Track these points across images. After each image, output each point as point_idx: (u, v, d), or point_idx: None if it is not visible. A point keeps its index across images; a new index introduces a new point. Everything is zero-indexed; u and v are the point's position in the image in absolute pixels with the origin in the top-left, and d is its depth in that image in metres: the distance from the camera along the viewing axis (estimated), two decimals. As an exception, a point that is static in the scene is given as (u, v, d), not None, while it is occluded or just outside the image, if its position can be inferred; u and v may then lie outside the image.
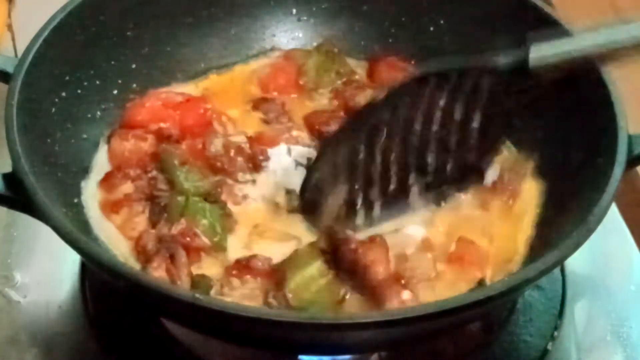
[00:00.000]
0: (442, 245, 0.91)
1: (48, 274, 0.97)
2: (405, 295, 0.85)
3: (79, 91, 0.96)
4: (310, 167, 0.93)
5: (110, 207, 0.91)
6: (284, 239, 0.91)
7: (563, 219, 0.88)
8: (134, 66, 1.02)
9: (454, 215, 0.94)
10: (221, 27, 1.08)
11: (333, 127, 0.99)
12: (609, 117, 0.87)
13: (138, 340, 0.91)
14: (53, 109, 0.92)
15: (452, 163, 0.93)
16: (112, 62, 1.00)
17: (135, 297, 0.85)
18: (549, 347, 0.92)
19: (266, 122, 1.02)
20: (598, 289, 0.99)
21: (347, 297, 0.85)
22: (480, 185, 0.95)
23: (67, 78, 0.94)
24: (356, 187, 0.91)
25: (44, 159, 0.87)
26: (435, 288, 0.87)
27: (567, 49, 0.85)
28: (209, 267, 0.88)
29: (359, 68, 1.09)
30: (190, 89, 1.05)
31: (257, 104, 1.03)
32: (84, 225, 0.89)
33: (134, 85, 1.02)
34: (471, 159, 0.93)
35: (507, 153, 0.99)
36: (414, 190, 0.93)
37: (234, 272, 0.86)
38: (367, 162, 0.90)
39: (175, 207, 0.89)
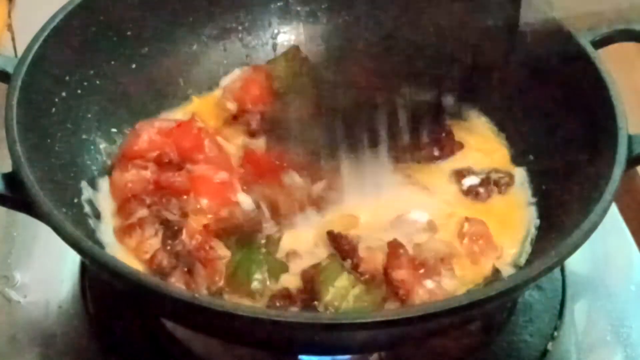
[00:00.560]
0: (449, 226, 0.92)
1: (48, 274, 0.97)
2: (429, 284, 0.85)
3: (79, 91, 0.96)
4: None
5: (124, 231, 0.90)
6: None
7: (563, 219, 0.88)
8: (133, 66, 1.02)
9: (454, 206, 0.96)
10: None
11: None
12: (609, 117, 0.87)
13: (138, 340, 0.91)
14: (53, 109, 0.92)
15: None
16: (112, 62, 1.00)
17: (135, 297, 0.85)
18: (549, 347, 0.92)
19: (252, 133, 1.01)
20: (598, 289, 0.99)
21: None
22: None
23: (67, 78, 0.94)
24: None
25: (44, 158, 0.87)
26: (456, 270, 0.89)
27: None
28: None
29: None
30: (178, 115, 1.04)
31: (237, 117, 1.03)
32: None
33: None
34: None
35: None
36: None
37: (277, 303, 0.85)
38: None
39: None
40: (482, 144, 1.02)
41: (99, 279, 0.93)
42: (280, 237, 0.91)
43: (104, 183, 0.95)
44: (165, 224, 0.90)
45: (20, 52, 0.92)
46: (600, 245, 0.97)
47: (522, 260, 0.90)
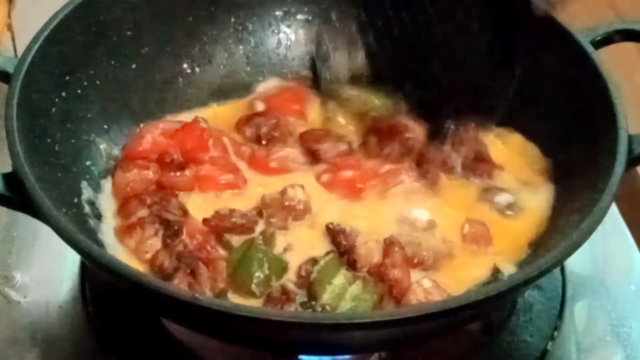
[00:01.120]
0: (450, 226, 0.92)
1: (48, 274, 0.97)
2: (426, 283, 0.85)
3: (79, 91, 0.96)
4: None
5: (124, 231, 0.90)
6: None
7: (563, 219, 0.88)
8: (134, 66, 1.02)
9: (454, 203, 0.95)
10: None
11: (326, 145, 0.99)
12: (609, 117, 0.87)
13: (138, 340, 0.91)
14: (53, 109, 0.92)
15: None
16: (112, 63, 1.00)
17: (135, 297, 0.85)
18: (549, 347, 0.92)
19: (258, 138, 1.01)
20: (598, 289, 0.99)
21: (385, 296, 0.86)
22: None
23: (67, 78, 0.94)
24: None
25: (44, 159, 0.87)
26: (453, 270, 0.89)
27: None
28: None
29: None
30: (181, 117, 1.04)
31: (249, 118, 1.02)
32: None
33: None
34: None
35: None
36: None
37: (275, 302, 0.85)
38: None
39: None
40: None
41: (99, 279, 0.92)
42: (274, 232, 0.90)
43: (105, 183, 0.95)
44: (165, 223, 0.90)
45: (20, 52, 0.92)
46: (600, 245, 0.97)
47: (523, 259, 0.90)
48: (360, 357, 0.90)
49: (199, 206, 0.93)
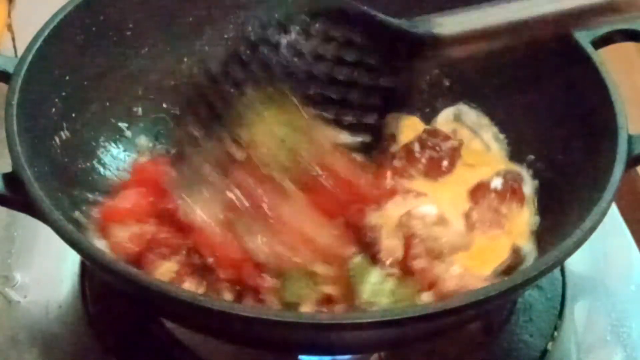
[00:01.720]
0: (457, 219, 0.93)
1: (48, 274, 0.97)
2: (456, 269, 0.85)
3: (79, 91, 0.96)
4: None
5: None
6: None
7: (563, 219, 0.88)
8: (133, 67, 1.02)
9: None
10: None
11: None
12: (609, 117, 0.87)
13: (138, 340, 0.91)
14: (53, 109, 0.92)
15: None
16: (113, 63, 1.00)
17: (135, 297, 0.85)
18: (549, 347, 0.92)
19: None
20: (598, 289, 0.99)
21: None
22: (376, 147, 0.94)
23: (67, 78, 0.94)
24: None
25: (44, 159, 0.87)
26: (474, 257, 0.89)
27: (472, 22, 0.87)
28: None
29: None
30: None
31: None
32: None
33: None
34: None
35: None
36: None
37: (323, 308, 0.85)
38: None
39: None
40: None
41: (99, 279, 0.93)
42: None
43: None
44: (202, 270, 0.85)
45: (20, 52, 0.91)
46: (600, 245, 0.97)
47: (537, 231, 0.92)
48: (360, 357, 0.90)
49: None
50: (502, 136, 1.02)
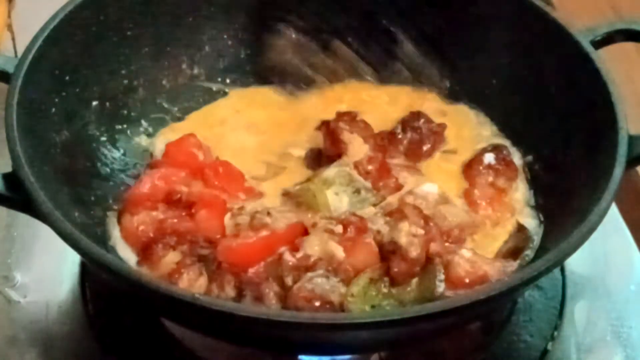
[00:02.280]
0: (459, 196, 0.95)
1: (48, 274, 0.97)
2: (466, 253, 0.86)
3: (79, 91, 0.96)
4: None
5: (169, 279, 0.86)
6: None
7: (563, 219, 0.88)
8: (133, 67, 1.02)
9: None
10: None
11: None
12: (609, 117, 0.87)
13: (138, 340, 0.91)
14: (53, 109, 0.92)
15: None
16: (113, 62, 1.00)
17: (135, 297, 0.85)
18: (549, 347, 0.92)
19: None
20: (598, 289, 0.99)
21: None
22: None
23: (67, 78, 0.94)
24: None
25: (44, 159, 0.87)
26: (480, 237, 0.91)
27: None
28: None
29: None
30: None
31: None
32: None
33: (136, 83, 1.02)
34: None
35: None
36: None
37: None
38: None
39: None
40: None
41: (99, 279, 0.92)
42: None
43: (113, 230, 0.93)
44: (204, 260, 0.86)
45: (20, 52, 0.92)
46: (600, 245, 0.97)
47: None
48: (360, 357, 0.90)
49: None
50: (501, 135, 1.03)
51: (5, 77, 0.88)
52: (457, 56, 1.06)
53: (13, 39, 1.21)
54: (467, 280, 0.84)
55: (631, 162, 0.85)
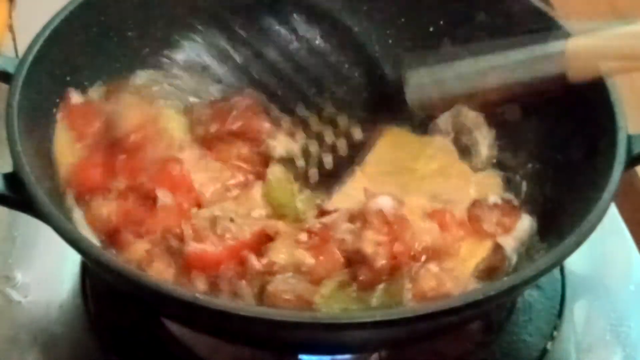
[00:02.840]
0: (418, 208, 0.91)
1: (49, 273, 0.97)
2: (433, 268, 0.84)
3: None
4: None
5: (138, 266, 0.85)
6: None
7: (563, 219, 0.88)
8: (134, 67, 1.02)
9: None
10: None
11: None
12: (609, 117, 0.87)
13: (138, 340, 0.91)
14: (53, 110, 0.92)
15: None
16: (113, 63, 1.00)
17: (135, 297, 0.85)
18: (549, 347, 0.92)
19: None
20: (598, 289, 0.99)
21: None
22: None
23: (68, 78, 0.94)
24: None
25: (44, 159, 0.87)
26: (452, 255, 0.87)
27: None
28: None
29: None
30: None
31: None
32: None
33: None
34: None
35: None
36: None
37: None
38: None
39: None
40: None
41: (99, 279, 0.93)
42: None
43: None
44: (173, 252, 0.85)
45: (21, 53, 0.92)
46: (600, 245, 0.97)
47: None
48: (360, 357, 0.90)
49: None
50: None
51: (6, 77, 0.88)
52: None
53: (14, 39, 1.21)
54: (429, 296, 0.82)
55: (631, 162, 0.85)
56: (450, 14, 1.03)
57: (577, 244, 0.78)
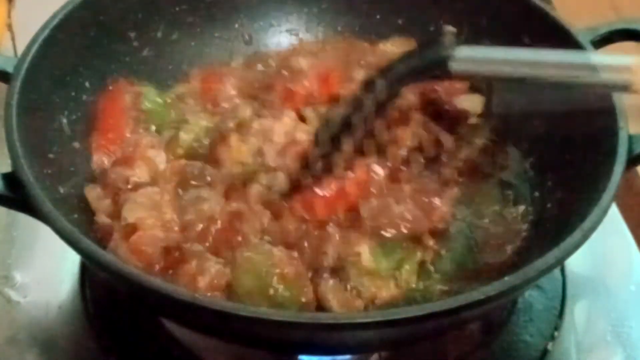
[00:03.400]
0: None
1: (48, 274, 0.97)
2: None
3: (79, 92, 0.96)
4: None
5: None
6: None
7: (563, 219, 0.88)
8: (134, 67, 1.02)
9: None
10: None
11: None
12: (609, 117, 0.87)
13: (138, 340, 0.91)
14: (53, 109, 0.92)
15: None
16: (113, 63, 1.00)
17: (135, 297, 0.85)
18: (549, 347, 0.92)
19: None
20: (598, 289, 0.99)
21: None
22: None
23: (67, 78, 0.94)
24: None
25: (43, 159, 0.87)
26: None
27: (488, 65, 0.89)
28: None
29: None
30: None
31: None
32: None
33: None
34: None
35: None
36: None
37: None
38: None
39: None
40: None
41: (99, 279, 0.93)
42: None
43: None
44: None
45: (20, 52, 0.92)
46: (600, 245, 0.97)
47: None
48: (360, 357, 0.90)
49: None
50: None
51: (5, 77, 0.88)
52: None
53: (13, 39, 1.21)
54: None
55: (631, 162, 0.85)
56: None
57: (578, 244, 0.78)
